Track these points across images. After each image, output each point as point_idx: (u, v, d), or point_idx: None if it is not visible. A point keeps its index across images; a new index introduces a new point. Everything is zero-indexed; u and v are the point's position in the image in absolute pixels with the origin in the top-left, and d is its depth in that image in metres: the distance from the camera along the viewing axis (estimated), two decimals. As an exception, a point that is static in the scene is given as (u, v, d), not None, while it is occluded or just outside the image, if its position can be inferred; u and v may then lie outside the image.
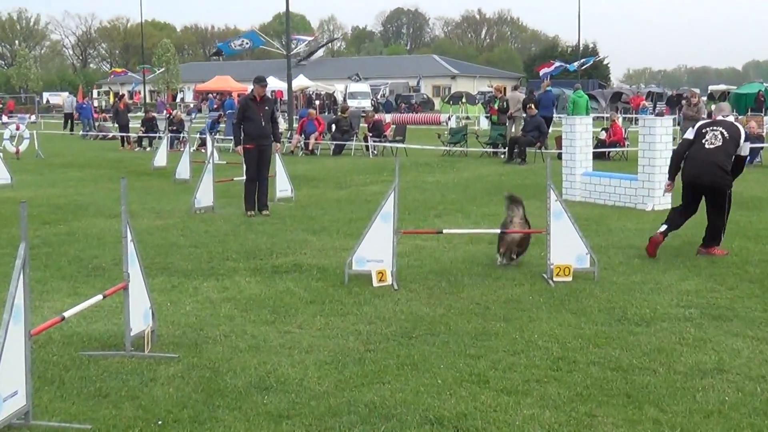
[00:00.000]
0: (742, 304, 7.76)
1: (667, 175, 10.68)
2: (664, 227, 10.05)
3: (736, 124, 10.38)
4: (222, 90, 65.30)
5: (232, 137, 28.36)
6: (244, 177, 13.93)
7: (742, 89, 55.18)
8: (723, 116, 10.45)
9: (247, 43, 34.55)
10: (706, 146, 9.93)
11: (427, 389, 5.58)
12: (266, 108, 13.73)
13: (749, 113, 40.35)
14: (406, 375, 5.87)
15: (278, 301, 7.95)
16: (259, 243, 10.96)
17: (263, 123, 13.54)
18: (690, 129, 10.62)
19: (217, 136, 28.26)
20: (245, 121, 13.57)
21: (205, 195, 13.97)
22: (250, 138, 13.53)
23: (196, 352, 6.40)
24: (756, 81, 69.22)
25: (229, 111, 34.42)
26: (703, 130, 10.13)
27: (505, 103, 26.52)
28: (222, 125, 31.66)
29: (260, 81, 13.78)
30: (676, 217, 10.23)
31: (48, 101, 75.88)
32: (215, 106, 52.55)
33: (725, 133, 9.95)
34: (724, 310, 7.54)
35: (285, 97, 44.86)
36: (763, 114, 39.70)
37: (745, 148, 10.14)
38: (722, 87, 75.82)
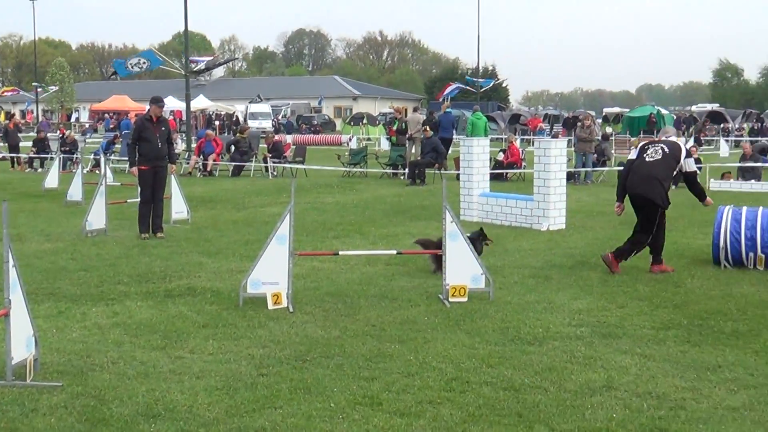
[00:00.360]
0: (631, 321, 7.92)
1: (616, 197, 10.87)
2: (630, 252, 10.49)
3: (678, 142, 10.72)
4: (119, 110, 64.13)
5: (127, 158, 27.92)
6: (138, 199, 13.64)
7: (635, 112, 56.96)
8: (666, 137, 10.79)
9: (144, 63, 33.87)
10: (647, 159, 10.35)
11: (320, 413, 5.51)
12: (163, 129, 13.45)
13: (642, 135, 41.62)
14: (299, 399, 5.78)
15: (170, 326, 7.77)
16: (153, 266, 10.73)
17: (159, 144, 13.26)
18: (633, 149, 11.11)
19: (111, 157, 27.68)
20: (141, 141, 13.27)
21: (97, 217, 13.61)
22: (146, 159, 13.24)
23: (81, 380, 6.19)
24: (648, 104, 71.51)
25: (126, 131, 33.80)
26: (646, 147, 10.61)
27: (404, 125, 26.76)
28: (118, 146, 31.00)
29: (157, 101, 13.52)
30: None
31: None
32: (111, 126, 51.55)
33: (665, 148, 10.35)
34: (613, 328, 7.69)
35: (184, 118, 44.25)
36: (655, 135, 40.96)
37: (689, 164, 10.45)
38: (616, 110, 78.09)
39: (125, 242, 12.79)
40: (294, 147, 29.63)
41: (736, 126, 54.93)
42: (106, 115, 64.56)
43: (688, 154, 10.57)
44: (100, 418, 5.41)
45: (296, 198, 8.85)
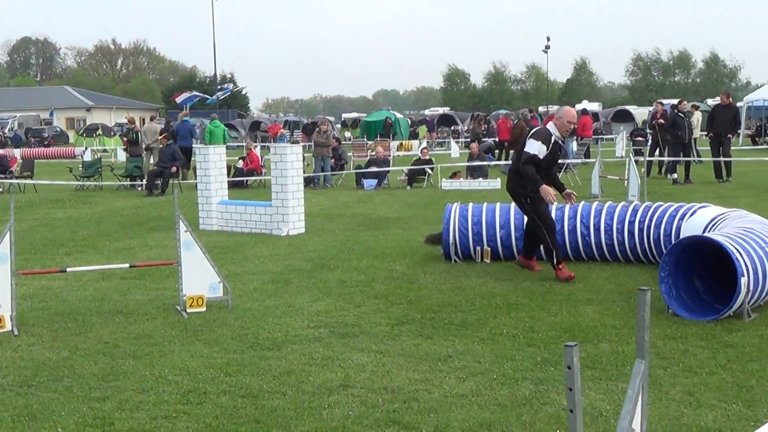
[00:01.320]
0: (368, 319, 8.10)
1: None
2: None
3: (537, 130, 10.21)
4: None
5: None
6: None
7: (372, 116, 58.61)
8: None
9: None
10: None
11: (43, 440, 5.20)
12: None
13: (378, 138, 42.89)
14: (23, 427, 5.43)
15: None
16: None
17: None
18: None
19: None
20: None
21: None
22: None
23: None
24: (384, 108, 73.92)
25: None
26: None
27: (135, 135, 26.09)
28: None
29: None
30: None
31: None
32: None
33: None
34: (351, 327, 7.83)
35: None
36: (390, 139, 42.39)
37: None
38: (354, 115, 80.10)
39: None
40: (21, 161, 28.00)
41: (465, 128, 57.88)
42: None
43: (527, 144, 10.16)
44: None
45: (24, 214, 8.42)
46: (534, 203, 9.72)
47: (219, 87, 59.27)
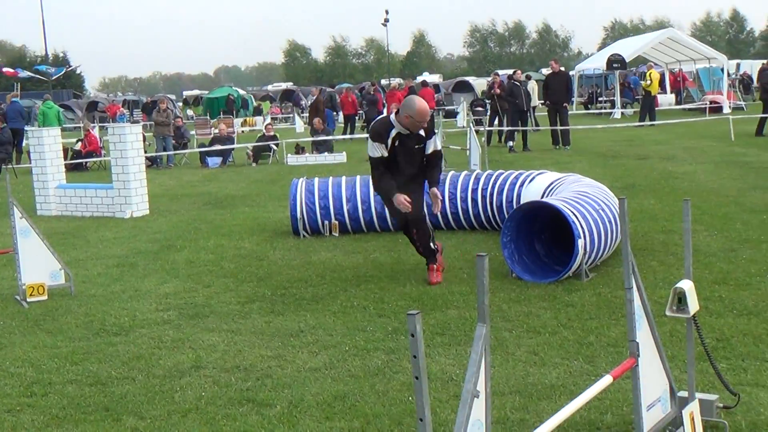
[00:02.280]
0: (218, 299, 8.02)
1: None
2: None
3: (372, 125, 9.26)
4: None
5: None
6: None
7: (214, 93, 57.64)
8: None
9: None
10: None
11: None
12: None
13: (222, 116, 42.25)
14: None
15: None
16: None
17: None
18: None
19: None
20: None
21: None
22: None
23: None
24: (226, 85, 72.87)
25: None
26: None
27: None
28: None
29: None
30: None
31: None
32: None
33: None
34: (201, 308, 7.73)
35: None
36: (233, 116, 41.88)
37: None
38: (196, 92, 78.65)
39: None
40: None
41: (309, 103, 57.74)
42: None
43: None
44: None
45: None
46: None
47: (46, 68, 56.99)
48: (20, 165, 23.35)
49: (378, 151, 8.24)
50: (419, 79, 49.68)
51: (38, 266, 8.40)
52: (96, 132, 26.78)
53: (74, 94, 73.83)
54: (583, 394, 3.73)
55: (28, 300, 8.19)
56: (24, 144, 23.13)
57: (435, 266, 8.39)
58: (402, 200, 8.01)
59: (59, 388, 5.74)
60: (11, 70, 44.34)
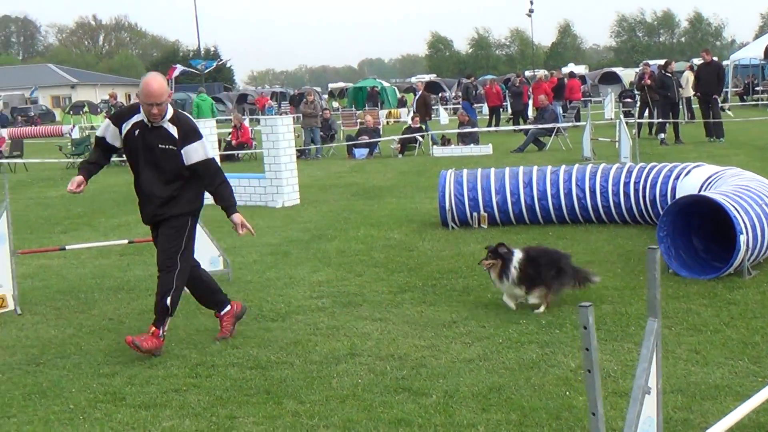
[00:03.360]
0: (370, 288, 8.13)
1: None
2: None
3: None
4: None
5: None
6: None
7: (359, 85, 58.35)
8: None
9: None
10: None
11: (58, 416, 5.22)
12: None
13: (367, 107, 42.76)
14: (35, 404, 5.45)
15: None
16: None
17: None
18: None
19: None
20: None
21: None
22: None
23: None
24: (370, 77, 73.65)
25: None
26: None
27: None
28: None
29: None
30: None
31: None
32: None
33: None
34: (353, 296, 7.85)
35: None
36: (378, 108, 42.28)
37: None
38: (341, 84, 79.74)
39: None
40: (10, 141, 27.84)
41: (452, 94, 57.73)
42: None
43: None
44: None
45: (17, 194, 8.36)
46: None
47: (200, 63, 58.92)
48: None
49: (102, 131, 6.54)
50: (564, 70, 48.92)
51: (198, 252, 8.67)
52: (247, 123, 27.56)
53: (225, 87, 76.17)
54: (755, 397, 3.60)
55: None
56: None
57: (154, 329, 6.27)
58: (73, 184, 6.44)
59: (222, 370, 5.95)
60: (176, 66, 46.26)
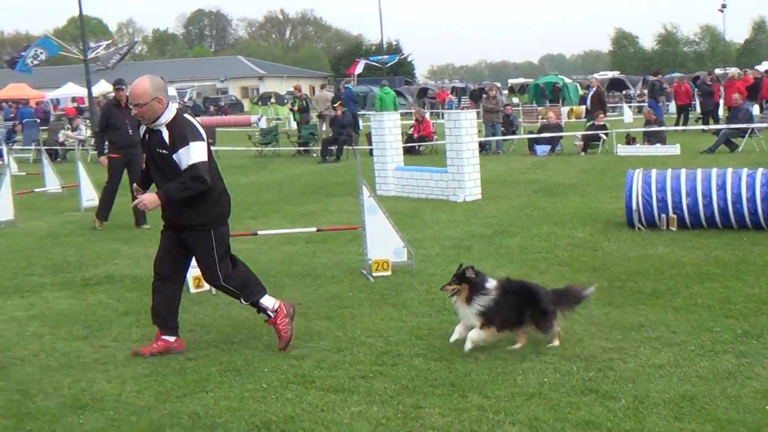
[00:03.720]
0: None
1: None
2: None
3: None
4: (17, 99, 62.05)
5: (32, 147, 27.09)
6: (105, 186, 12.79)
7: (540, 80, 57.65)
8: None
9: (41, 53, 32.83)
10: None
11: (252, 394, 5.44)
12: (132, 114, 12.41)
13: (548, 104, 42.21)
14: (230, 381, 5.70)
15: (90, 315, 7.57)
16: (67, 256, 10.45)
17: (130, 131, 12.29)
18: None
19: (14, 147, 26.87)
20: (109, 129, 12.42)
21: (3, 208, 13.17)
22: (117, 147, 12.39)
23: (3, 375, 5.99)
24: (551, 73, 72.61)
25: (26, 120, 32.79)
26: None
27: (304, 103, 26.74)
28: (19, 135, 30.10)
29: (119, 84, 12.55)
30: None
31: None
32: (11, 115, 49.92)
33: None
34: (537, 294, 7.76)
35: (86, 104, 43.26)
36: (559, 104, 41.63)
37: None
38: (521, 80, 79.06)
39: (37, 233, 12.43)
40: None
41: (637, 92, 56.12)
42: (4, 104, 62.37)
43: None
44: (26, 413, 5.25)
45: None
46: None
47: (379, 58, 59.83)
48: (358, 147, 24.72)
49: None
50: (758, 68, 46.63)
51: (383, 243, 8.86)
52: (428, 117, 27.76)
53: (405, 80, 76.98)
54: None
55: (373, 274, 8.68)
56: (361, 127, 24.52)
57: (271, 322, 6.45)
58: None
59: (407, 360, 6.03)
60: (359, 60, 47.37)
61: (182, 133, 6.14)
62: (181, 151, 6.09)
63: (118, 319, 7.39)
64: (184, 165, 6.09)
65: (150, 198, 6.22)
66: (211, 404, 5.30)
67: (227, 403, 5.30)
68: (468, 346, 6.10)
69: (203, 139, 6.26)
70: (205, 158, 6.14)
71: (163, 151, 6.20)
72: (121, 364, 6.15)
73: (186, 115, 6.47)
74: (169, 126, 6.23)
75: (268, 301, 6.49)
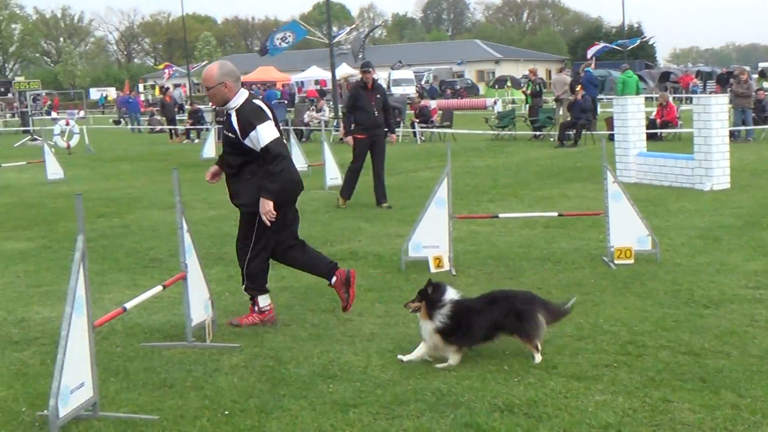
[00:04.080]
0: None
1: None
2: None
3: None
4: (265, 81, 65.45)
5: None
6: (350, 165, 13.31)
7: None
8: None
9: (289, 36, 34.37)
10: None
11: (494, 376, 5.45)
12: (378, 96, 12.88)
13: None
14: (472, 362, 5.74)
15: (336, 290, 7.86)
16: (313, 232, 10.89)
17: (376, 112, 12.78)
18: None
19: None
20: (356, 110, 12.92)
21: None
22: (363, 128, 12.86)
23: (257, 342, 6.35)
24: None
25: (273, 101, 34.48)
26: None
27: (538, 86, 26.43)
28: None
29: (366, 67, 13.05)
30: None
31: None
32: (259, 97, 52.64)
33: None
34: (789, 291, 7.31)
35: (329, 86, 44.93)
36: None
37: None
38: (773, 64, 74.35)
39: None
40: (440, 112, 29.56)
41: None
42: (254, 86, 65.98)
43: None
44: (280, 378, 5.53)
45: (450, 162, 8.80)
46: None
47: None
48: (596, 132, 24.18)
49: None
50: None
51: (626, 230, 8.62)
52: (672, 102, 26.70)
53: (646, 64, 74.37)
54: None
55: (615, 262, 8.47)
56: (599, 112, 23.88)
57: (252, 308, 6.89)
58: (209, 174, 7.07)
59: (653, 351, 5.83)
60: (598, 43, 46.38)
61: (247, 120, 6.43)
62: (251, 135, 6.40)
63: (362, 295, 7.61)
64: (258, 148, 6.41)
65: (265, 209, 6.50)
66: (453, 383, 5.36)
67: (470, 383, 5.34)
68: (409, 357, 5.82)
69: (269, 118, 6.54)
70: (274, 135, 6.45)
71: (231, 135, 6.54)
72: (366, 338, 6.35)
73: (254, 100, 6.72)
74: (237, 111, 6.51)
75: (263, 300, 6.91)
